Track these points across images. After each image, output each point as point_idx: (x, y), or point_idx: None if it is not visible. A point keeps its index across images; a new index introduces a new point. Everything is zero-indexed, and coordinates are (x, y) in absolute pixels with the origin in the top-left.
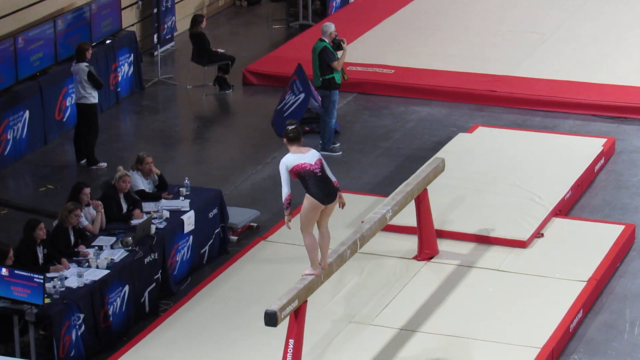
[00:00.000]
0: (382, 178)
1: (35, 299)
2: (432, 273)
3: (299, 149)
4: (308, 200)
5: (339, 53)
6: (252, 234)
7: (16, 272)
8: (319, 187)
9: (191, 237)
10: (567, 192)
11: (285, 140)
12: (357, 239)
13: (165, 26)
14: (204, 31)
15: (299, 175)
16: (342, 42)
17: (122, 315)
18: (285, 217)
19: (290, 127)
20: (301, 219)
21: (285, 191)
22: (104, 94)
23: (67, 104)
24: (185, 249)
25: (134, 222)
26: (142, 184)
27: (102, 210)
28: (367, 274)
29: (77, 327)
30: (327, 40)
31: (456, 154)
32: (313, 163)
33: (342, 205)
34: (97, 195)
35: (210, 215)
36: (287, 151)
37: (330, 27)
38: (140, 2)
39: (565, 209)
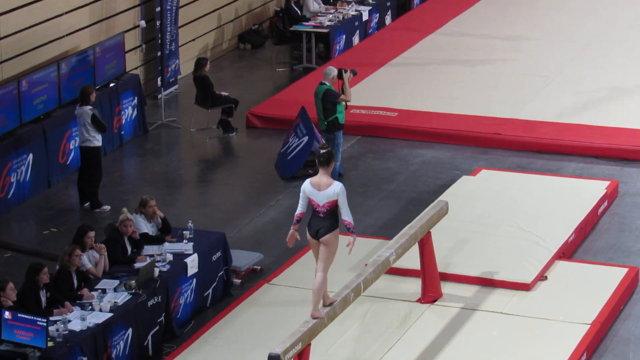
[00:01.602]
0: (385, 221)
1: (38, 342)
2: (436, 316)
3: (321, 179)
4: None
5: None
6: (256, 277)
7: (19, 315)
8: (311, 222)
9: (194, 280)
10: (571, 235)
11: (316, 161)
12: (361, 282)
13: (169, 69)
14: (207, 74)
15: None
16: (342, 71)
17: (126, 358)
18: (290, 231)
19: (322, 151)
20: None
21: (298, 209)
22: (108, 137)
23: (71, 147)
24: (189, 292)
25: (137, 265)
26: (145, 227)
27: (105, 254)
28: (370, 317)
29: None
30: (328, 84)
31: (460, 197)
32: (321, 205)
33: (349, 249)
34: (101, 239)
35: (214, 258)
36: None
37: (333, 71)
38: (144, 45)
39: (568, 251)
